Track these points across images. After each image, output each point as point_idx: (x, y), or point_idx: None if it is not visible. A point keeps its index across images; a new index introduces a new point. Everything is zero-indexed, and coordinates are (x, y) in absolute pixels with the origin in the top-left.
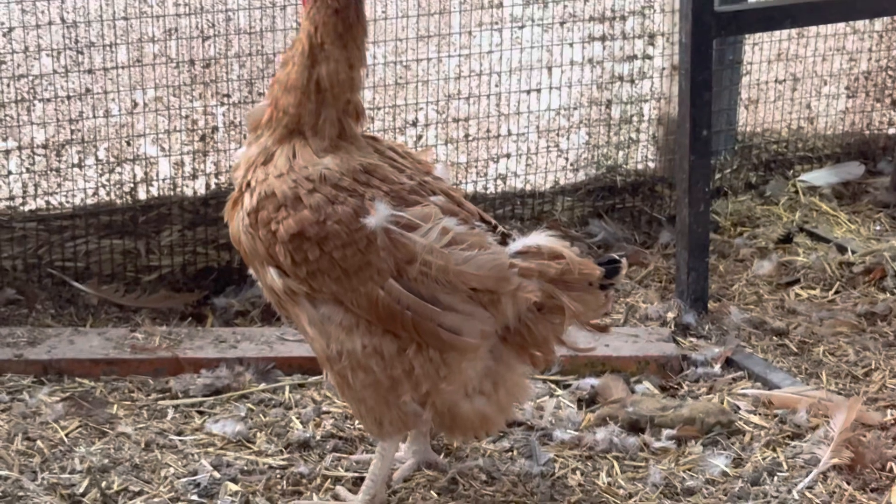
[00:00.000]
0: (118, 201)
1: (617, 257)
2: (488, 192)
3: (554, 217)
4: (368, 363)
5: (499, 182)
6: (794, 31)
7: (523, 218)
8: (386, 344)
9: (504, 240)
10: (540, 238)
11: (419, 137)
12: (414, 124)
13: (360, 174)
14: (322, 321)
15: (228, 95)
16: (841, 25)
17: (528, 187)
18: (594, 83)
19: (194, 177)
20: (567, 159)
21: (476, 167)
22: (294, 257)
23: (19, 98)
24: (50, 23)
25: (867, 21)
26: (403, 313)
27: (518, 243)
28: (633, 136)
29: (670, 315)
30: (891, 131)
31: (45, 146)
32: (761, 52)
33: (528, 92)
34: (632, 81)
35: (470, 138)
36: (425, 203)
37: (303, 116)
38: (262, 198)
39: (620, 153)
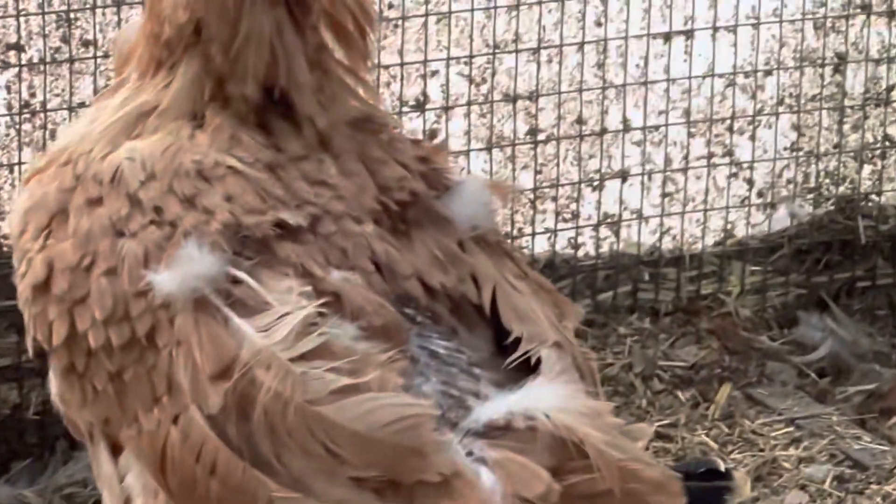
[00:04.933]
0: None
1: (723, 467)
2: (583, 254)
3: (722, 310)
4: None
5: (603, 229)
6: None
7: (657, 309)
8: None
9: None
10: (542, 396)
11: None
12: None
13: (187, 181)
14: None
15: None
16: None
17: (668, 249)
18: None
19: None
20: (750, 176)
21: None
22: (37, 332)
23: None
24: None
25: None
26: (208, 482)
27: (489, 408)
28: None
29: None
30: None
31: None
32: None
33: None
34: None
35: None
36: (308, 273)
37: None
38: (29, 206)
39: (866, 168)
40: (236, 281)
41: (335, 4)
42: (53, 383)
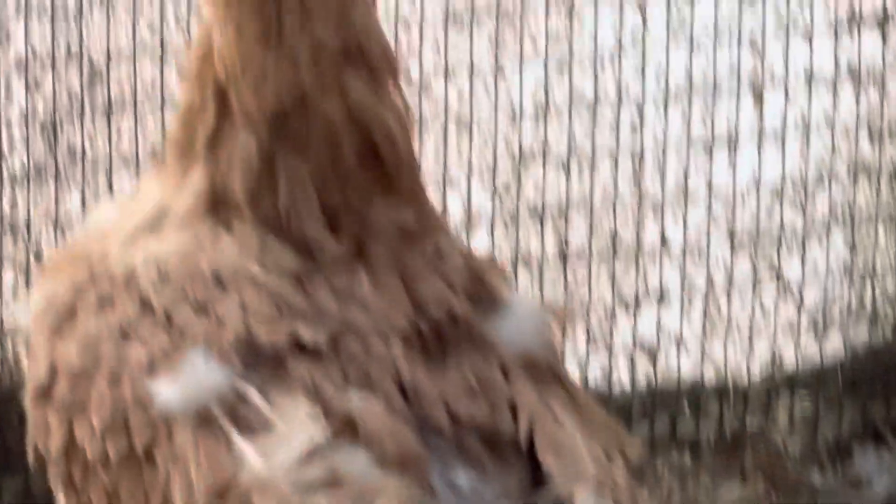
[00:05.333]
0: None
1: None
2: (618, 384)
3: (770, 444)
4: None
5: (639, 356)
6: None
7: (698, 444)
8: None
9: None
10: None
11: None
12: None
13: (202, 287)
14: None
15: None
16: None
17: (710, 378)
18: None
19: None
20: (800, 299)
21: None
22: (38, 440)
23: None
24: None
25: None
26: None
27: None
28: None
29: None
30: None
31: None
32: None
33: None
34: None
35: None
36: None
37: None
38: (40, 306)
39: None
40: (243, 397)
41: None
42: (56, 495)
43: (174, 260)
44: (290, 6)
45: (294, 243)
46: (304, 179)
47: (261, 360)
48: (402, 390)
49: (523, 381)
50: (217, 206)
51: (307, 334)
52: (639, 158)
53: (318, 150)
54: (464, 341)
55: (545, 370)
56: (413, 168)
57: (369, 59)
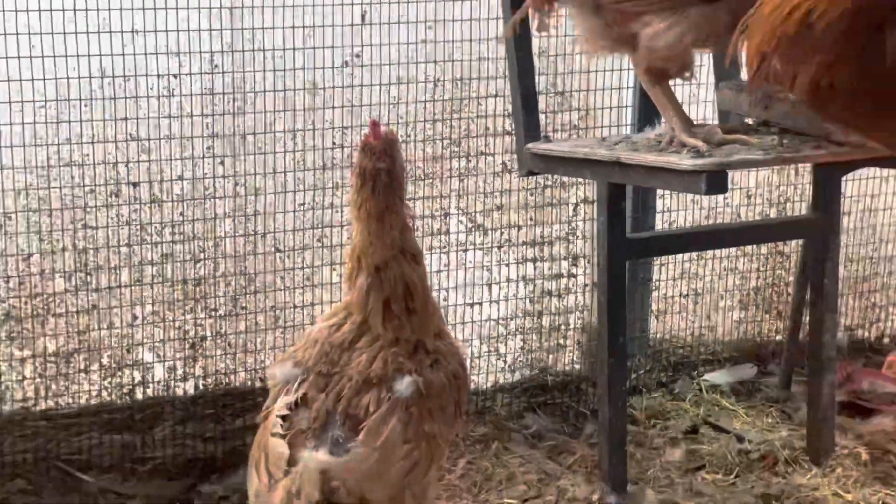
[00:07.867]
0: (118, 402)
1: None
2: None
3: (494, 412)
4: None
5: None
6: (694, 255)
7: (468, 412)
8: None
9: None
10: None
11: None
12: None
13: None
14: None
15: (216, 310)
16: (733, 249)
17: (472, 386)
18: (527, 297)
19: (185, 379)
20: (505, 362)
21: None
22: None
23: (35, 314)
24: (63, 249)
25: (755, 245)
26: None
27: None
28: (561, 342)
29: (595, 497)
30: (777, 338)
31: (55, 354)
32: (668, 272)
33: (472, 305)
34: (559, 296)
35: None
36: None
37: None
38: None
39: (550, 356)
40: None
41: None
42: None
43: (323, 333)
44: (372, 228)
45: (368, 329)
46: (379, 300)
47: (309, 371)
48: None
49: None
50: (349, 307)
51: (324, 368)
52: None
53: (392, 287)
54: None
55: None
56: (423, 313)
57: (412, 251)
